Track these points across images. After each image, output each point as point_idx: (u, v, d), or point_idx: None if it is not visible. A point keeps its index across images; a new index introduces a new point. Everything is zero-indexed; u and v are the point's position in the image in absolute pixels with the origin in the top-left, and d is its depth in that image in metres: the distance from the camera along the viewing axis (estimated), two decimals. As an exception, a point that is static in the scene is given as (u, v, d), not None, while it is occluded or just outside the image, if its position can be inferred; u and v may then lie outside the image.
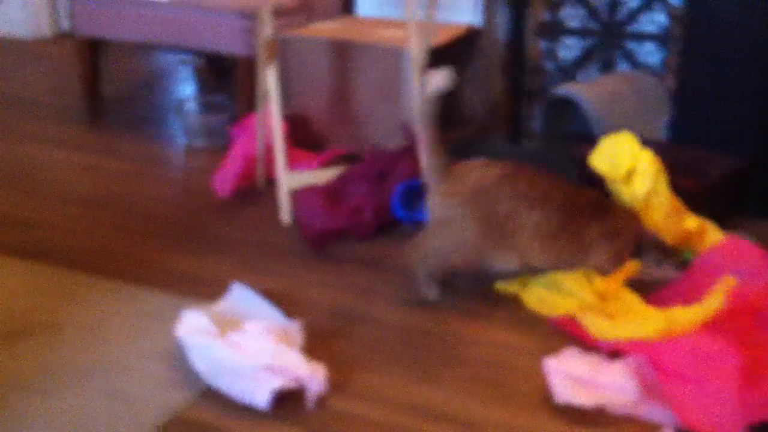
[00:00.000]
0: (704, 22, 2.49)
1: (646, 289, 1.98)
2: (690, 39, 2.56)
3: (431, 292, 2.03)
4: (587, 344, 1.81)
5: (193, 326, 1.79)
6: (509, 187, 1.98)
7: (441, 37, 2.83)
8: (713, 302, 1.78)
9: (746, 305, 1.78)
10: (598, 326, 1.83)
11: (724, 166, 2.24)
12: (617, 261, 2.00)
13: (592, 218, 2.01)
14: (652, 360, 1.68)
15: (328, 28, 2.98)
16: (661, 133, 2.79)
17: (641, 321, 1.80)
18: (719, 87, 2.42)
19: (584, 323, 1.86)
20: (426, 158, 2.02)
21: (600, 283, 1.98)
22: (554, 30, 3.23)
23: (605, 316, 1.87)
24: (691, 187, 2.16)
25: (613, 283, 1.97)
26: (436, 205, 2.01)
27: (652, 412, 1.61)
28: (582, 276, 2.00)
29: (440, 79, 1.94)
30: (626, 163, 2.07)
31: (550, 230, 1.98)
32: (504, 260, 2.02)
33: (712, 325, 1.74)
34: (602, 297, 1.95)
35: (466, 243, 1.99)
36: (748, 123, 2.38)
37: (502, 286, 2.06)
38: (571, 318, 1.90)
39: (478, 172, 2.00)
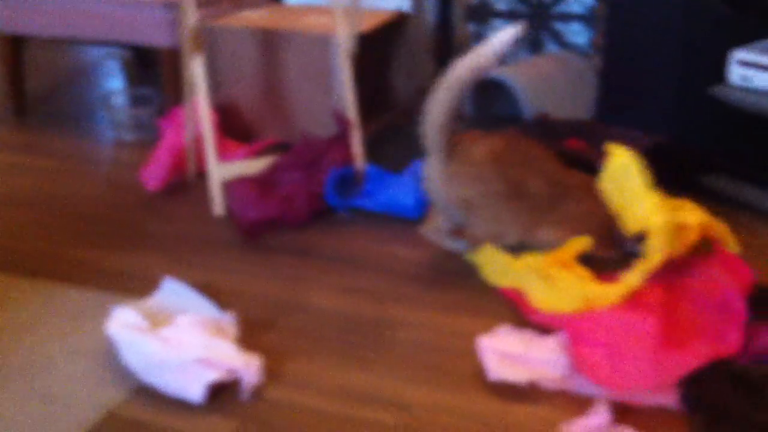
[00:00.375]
0: (625, 2, 2.53)
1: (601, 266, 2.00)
2: (612, 19, 2.60)
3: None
4: (522, 318, 1.84)
5: (124, 323, 1.77)
6: (514, 155, 2.02)
7: (369, 23, 2.82)
8: (631, 279, 1.82)
9: (687, 292, 1.82)
10: (540, 296, 1.86)
11: (644, 143, 2.29)
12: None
13: (572, 196, 2.05)
14: (572, 332, 1.71)
15: (255, 17, 2.96)
16: (587, 111, 2.83)
17: (564, 294, 1.82)
18: (640, 67, 2.46)
19: (528, 294, 1.88)
20: (430, 138, 2.01)
21: (552, 255, 2.00)
22: (482, 13, 3.25)
23: (549, 283, 1.89)
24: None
25: (565, 256, 1.99)
26: (454, 187, 2.01)
27: (583, 385, 1.64)
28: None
29: (505, 35, 1.87)
30: (640, 215, 1.94)
31: (540, 203, 2.02)
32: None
33: (641, 302, 1.78)
34: (555, 265, 1.96)
35: (501, 215, 2.02)
36: (667, 101, 2.42)
37: (472, 255, 2.06)
38: (518, 289, 1.92)
39: (480, 144, 2.02)
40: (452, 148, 2.01)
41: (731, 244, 1.98)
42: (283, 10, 3.15)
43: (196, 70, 2.36)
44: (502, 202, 2.02)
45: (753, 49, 2.33)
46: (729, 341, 1.63)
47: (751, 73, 2.30)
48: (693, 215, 1.93)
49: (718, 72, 2.37)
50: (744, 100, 2.31)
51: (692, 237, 1.90)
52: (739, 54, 2.33)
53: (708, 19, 2.40)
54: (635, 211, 1.93)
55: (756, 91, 2.30)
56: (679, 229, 1.88)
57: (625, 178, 1.98)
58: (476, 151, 2.01)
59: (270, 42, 2.79)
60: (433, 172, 2.03)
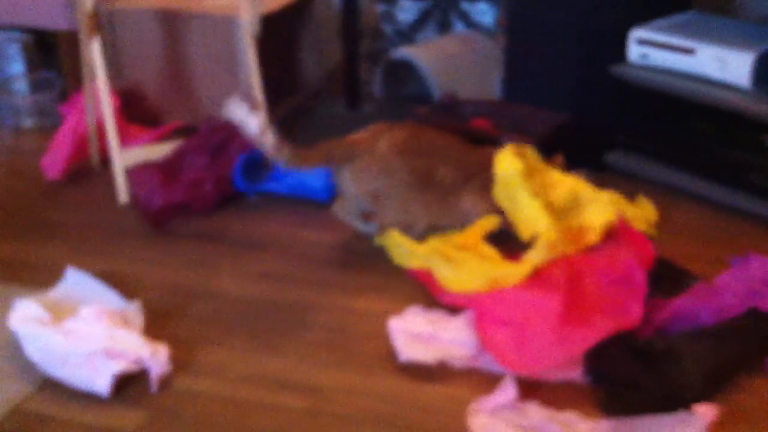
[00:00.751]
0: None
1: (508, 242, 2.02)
2: (514, -1, 2.61)
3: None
4: (432, 299, 1.85)
5: (25, 315, 1.72)
6: (418, 146, 2.05)
7: (274, 4, 2.79)
8: (534, 257, 1.85)
9: (591, 267, 1.85)
10: (448, 277, 1.87)
11: (549, 121, 2.32)
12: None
13: (479, 174, 2.07)
14: (479, 311, 1.73)
15: (157, -2, 2.89)
16: (494, 90, 2.86)
17: (471, 274, 1.85)
18: (543, 46, 2.49)
19: (436, 274, 1.89)
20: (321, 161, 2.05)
21: (459, 236, 2.02)
22: (390, -7, 3.24)
23: (455, 264, 1.90)
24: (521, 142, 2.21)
25: (472, 236, 2.01)
26: (361, 182, 2.04)
27: (492, 362, 1.66)
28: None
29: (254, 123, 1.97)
30: (529, 222, 1.99)
31: (452, 188, 2.05)
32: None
33: (546, 280, 1.81)
34: (460, 248, 1.98)
35: (406, 205, 2.05)
36: (569, 80, 2.46)
37: (381, 239, 2.07)
38: (427, 270, 1.93)
39: (384, 137, 2.05)
40: (352, 146, 2.04)
41: (648, 227, 2.03)
42: (186, -9, 3.08)
43: (94, 53, 2.30)
44: (410, 192, 2.05)
45: (651, 28, 2.38)
46: (631, 314, 1.67)
47: (649, 51, 2.35)
48: (599, 215, 1.96)
49: (619, 50, 2.42)
50: (642, 78, 2.36)
51: (592, 238, 1.94)
52: (638, 33, 2.37)
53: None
54: (524, 217, 1.98)
55: (653, 69, 2.36)
56: (573, 232, 1.94)
57: (512, 185, 2.00)
58: (381, 144, 2.04)
59: (173, 24, 2.73)
60: (338, 171, 2.06)
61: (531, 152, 2.09)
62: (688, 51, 2.29)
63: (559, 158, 2.16)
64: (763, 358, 1.66)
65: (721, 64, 2.23)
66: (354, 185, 2.05)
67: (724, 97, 2.22)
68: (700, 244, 2.04)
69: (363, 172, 2.03)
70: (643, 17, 2.43)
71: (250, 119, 1.96)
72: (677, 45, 2.31)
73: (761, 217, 2.20)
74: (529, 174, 2.04)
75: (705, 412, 1.45)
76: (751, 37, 2.27)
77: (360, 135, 2.08)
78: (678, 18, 2.48)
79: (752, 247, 1.96)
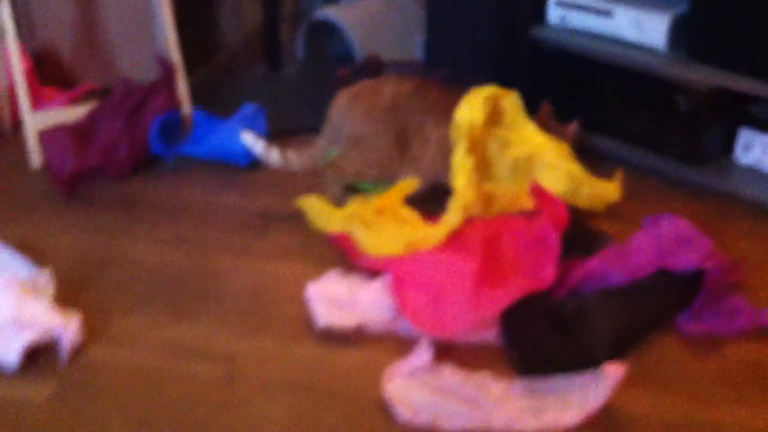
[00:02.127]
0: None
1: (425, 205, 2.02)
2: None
3: (345, 197, 2.05)
4: (351, 263, 1.85)
5: (-71, 287, 1.67)
6: (419, 101, 2.05)
7: (191, -38, 2.73)
8: (451, 219, 1.86)
9: (508, 228, 1.87)
10: (367, 241, 1.87)
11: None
12: None
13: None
14: (396, 274, 1.74)
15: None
16: (416, 53, 2.85)
17: (389, 238, 1.84)
18: (463, 8, 2.48)
19: (356, 238, 1.88)
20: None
21: (378, 200, 2.00)
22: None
23: (374, 229, 1.89)
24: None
25: (392, 200, 2.00)
26: (351, 123, 2.04)
27: (408, 326, 1.66)
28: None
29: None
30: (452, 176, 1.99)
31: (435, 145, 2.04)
32: (406, 173, 2.07)
33: (463, 242, 1.82)
34: (379, 212, 1.97)
35: (381, 158, 2.04)
36: (489, 42, 2.45)
37: (302, 202, 2.03)
38: (346, 234, 1.92)
39: (391, 86, 2.05)
40: (357, 91, 2.07)
41: (601, 205, 2.04)
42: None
43: (3, 14, 2.21)
44: (388, 146, 2.04)
45: (568, -11, 2.39)
46: (544, 276, 1.69)
47: (567, 13, 2.36)
48: (549, 184, 1.95)
49: (539, 13, 2.42)
50: (560, 41, 2.37)
51: (503, 204, 1.96)
52: (557, -6, 2.38)
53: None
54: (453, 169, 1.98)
55: (572, 31, 2.37)
56: (485, 196, 1.95)
57: (458, 133, 1.99)
58: (385, 91, 2.05)
59: (85, -19, 2.66)
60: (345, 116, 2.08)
61: (512, 99, 2.05)
62: (605, 13, 2.30)
63: (546, 107, 2.17)
64: (674, 317, 1.70)
65: (638, 26, 2.24)
66: (348, 124, 2.05)
67: (640, 60, 2.24)
68: (615, 204, 2.07)
69: (359, 115, 2.04)
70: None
71: (256, 144, 2.06)
72: (595, 7, 2.32)
73: (675, 177, 2.24)
74: (494, 123, 2.03)
75: (615, 371, 1.46)
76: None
77: (370, 83, 2.10)
78: (597, -21, 2.48)
79: (666, 208, 2.00)
